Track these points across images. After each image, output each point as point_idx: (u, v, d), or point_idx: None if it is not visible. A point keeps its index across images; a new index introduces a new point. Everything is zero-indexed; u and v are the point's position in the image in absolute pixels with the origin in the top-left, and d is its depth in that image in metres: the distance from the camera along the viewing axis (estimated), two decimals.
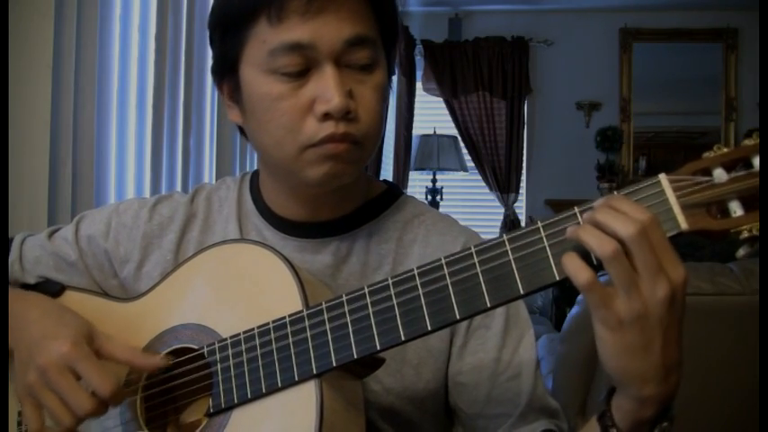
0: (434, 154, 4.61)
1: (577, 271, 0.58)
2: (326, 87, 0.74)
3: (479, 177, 4.95)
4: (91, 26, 1.72)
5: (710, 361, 1.71)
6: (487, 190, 4.95)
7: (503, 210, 4.91)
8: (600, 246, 0.57)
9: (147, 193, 2.07)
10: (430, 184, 4.72)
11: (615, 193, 0.61)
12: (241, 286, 0.77)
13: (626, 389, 0.62)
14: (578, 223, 0.61)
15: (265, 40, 0.75)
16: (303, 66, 0.75)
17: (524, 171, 4.98)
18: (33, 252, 0.94)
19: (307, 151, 0.76)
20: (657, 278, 0.57)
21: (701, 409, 1.74)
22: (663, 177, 0.59)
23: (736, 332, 1.68)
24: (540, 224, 0.62)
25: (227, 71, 0.81)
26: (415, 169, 4.73)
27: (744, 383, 1.63)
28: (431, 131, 4.71)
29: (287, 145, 0.77)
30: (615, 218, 0.58)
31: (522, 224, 4.85)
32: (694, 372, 1.73)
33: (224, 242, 0.83)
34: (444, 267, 0.65)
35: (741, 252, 0.58)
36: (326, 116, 0.74)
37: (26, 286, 0.93)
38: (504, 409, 0.82)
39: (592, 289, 0.58)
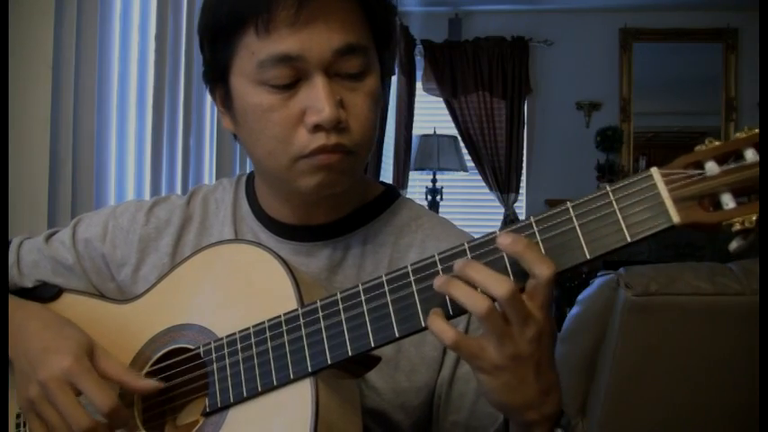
0: (434, 154, 4.61)
1: (443, 332, 0.62)
2: (317, 98, 0.73)
3: (479, 177, 4.95)
4: (91, 26, 1.72)
5: (710, 361, 1.70)
6: (487, 190, 4.95)
7: (503, 210, 4.91)
8: (473, 304, 0.61)
9: (147, 193, 2.08)
10: (430, 185, 4.72)
11: (608, 187, 0.61)
12: (237, 286, 0.78)
13: (512, 417, 0.68)
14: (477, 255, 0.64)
15: (254, 51, 0.74)
16: (293, 77, 0.74)
17: (524, 171, 4.98)
18: (31, 256, 0.94)
19: (299, 162, 0.76)
20: (526, 324, 0.61)
21: (701, 409, 1.74)
22: (655, 171, 0.59)
23: (737, 332, 1.68)
24: (532, 219, 0.63)
25: (217, 79, 0.81)
26: (415, 169, 4.73)
27: (744, 383, 1.63)
28: (431, 131, 4.71)
29: (279, 156, 0.77)
30: (487, 277, 0.61)
31: None
32: (694, 372, 1.73)
33: (220, 242, 0.83)
34: (438, 264, 0.65)
35: (734, 245, 0.58)
36: (317, 127, 0.74)
37: (24, 290, 0.93)
38: (483, 422, 0.82)
39: (459, 347, 0.62)
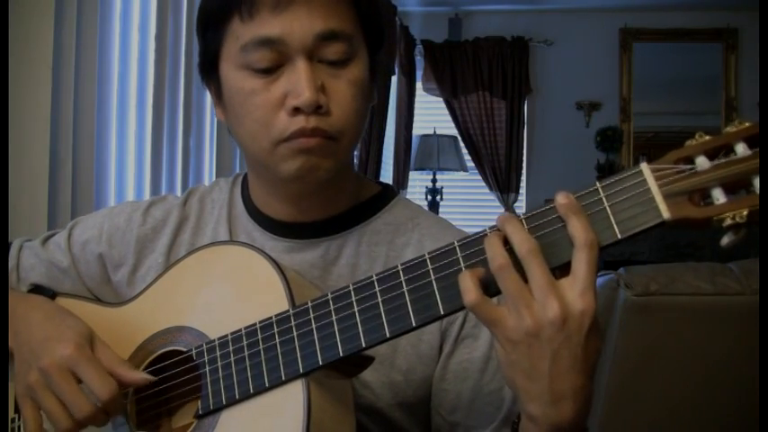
0: (434, 154, 4.61)
1: (466, 291, 0.59)
2: (297, 81, 0.74)
3: (479, 177, 4.95)
4: (91, 26, 1.73)
5: (710, 361, 1.70)
6: (487, 190, 4.95)
7: (503, 210, 4.90)
8: (492, 253, 0.59)
9: (146, 193, 2.08)
10: (430, 184, 4.72)
11: (597, 183, 0.60)
12: (229, 288, 0.77)
13: (518, 399, 0.63)
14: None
15: (238, 36, 0.76)
16: (275, 61, 0.75)
17: (524, 171, 4.98)
18: (29, 260, 0.94)
19: (279, 146, 0.77)
20: (548, 298, 0.57)
21: (701, 409, 1.74)
22: (645, 167, 0.58)
23: (736, 332, 1.68)
24: (522, 217, 0.62)
25: (209, 68, 0.82)
26: (415, 169, 4.73)
27: (744, 383, 1.63)
28: (431, 131, 4.71)
29: (261, 139, 0.78)
30: (515, 231, 0.59)
31: None
32: (694, 372, 1.73)
33: (212, 244, 0.83)
34: (428, 263, 0.64)
35: (725, 240, 0.57)
36: (297, 110, 0.74)
37: None
38: (481, 421, 0.82)
39: (477, 309, 0.59)
